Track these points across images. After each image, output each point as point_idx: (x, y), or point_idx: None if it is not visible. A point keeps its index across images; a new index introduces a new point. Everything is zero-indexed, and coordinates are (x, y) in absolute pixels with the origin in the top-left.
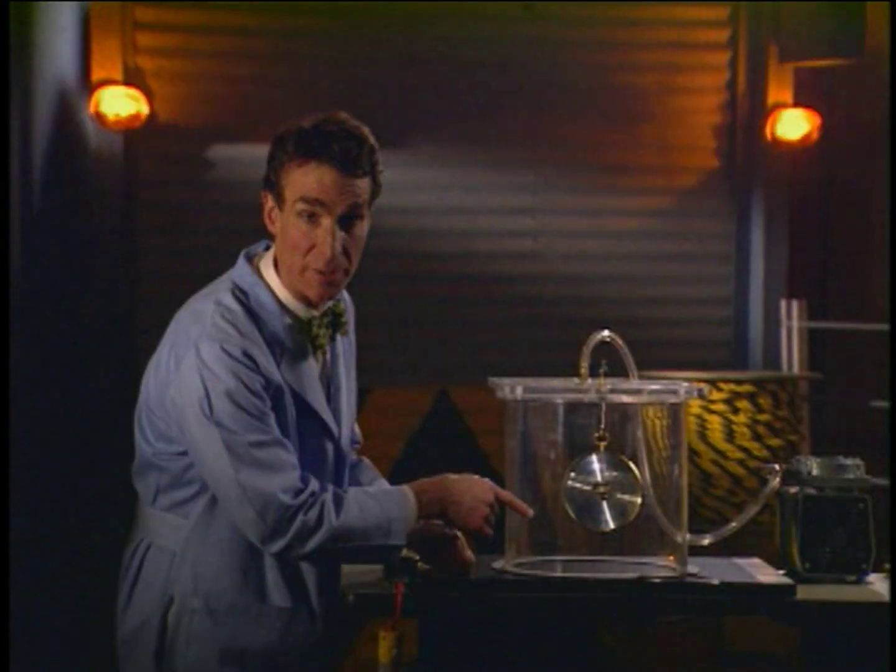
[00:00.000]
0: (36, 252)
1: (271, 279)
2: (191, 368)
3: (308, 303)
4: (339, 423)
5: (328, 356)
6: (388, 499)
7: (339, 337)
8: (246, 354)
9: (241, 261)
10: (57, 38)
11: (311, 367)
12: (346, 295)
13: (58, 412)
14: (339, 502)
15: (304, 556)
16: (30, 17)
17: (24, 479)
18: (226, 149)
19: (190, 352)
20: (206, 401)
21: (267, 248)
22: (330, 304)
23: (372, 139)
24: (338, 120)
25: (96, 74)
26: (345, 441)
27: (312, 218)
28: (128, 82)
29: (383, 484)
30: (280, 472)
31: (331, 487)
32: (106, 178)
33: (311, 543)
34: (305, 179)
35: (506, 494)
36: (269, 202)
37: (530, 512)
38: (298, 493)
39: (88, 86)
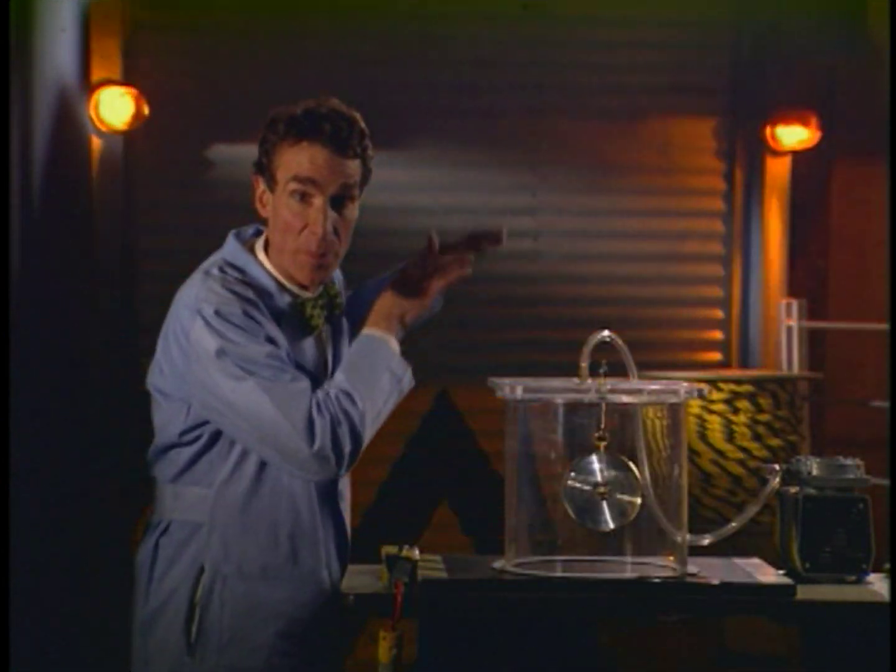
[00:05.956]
0: (36, 253)
1: (265, 261)
2: (199, 334)
3: (300, 286)
4: None
5: (328, 334)
6: (378, 359)
7: (337, 315)
8: (246, 314)
9: (230, 240)
10: (57, 38)
11: (310, 344)
12: (339, 274)
13: (58, 412)
14: (350, 399)
15: (349, 458)
16: (30, 17)
17: (23, 480)
18: (226, 149)
19: (194, 322)
20: (223, 353)
21: (257, 233)
22: (321, 287)
23: (362, 123)
24: (328, 104)
25: (96, 74)
26: None
27: (304, 198)
28: (128, 82)
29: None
30: (302, 394)
31: (332, 391)
32: (106, 177)
33: (347, 448)
34: (298, 159)
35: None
36: (261, 186)
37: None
38: (319, 409)
39: (88, 86)
